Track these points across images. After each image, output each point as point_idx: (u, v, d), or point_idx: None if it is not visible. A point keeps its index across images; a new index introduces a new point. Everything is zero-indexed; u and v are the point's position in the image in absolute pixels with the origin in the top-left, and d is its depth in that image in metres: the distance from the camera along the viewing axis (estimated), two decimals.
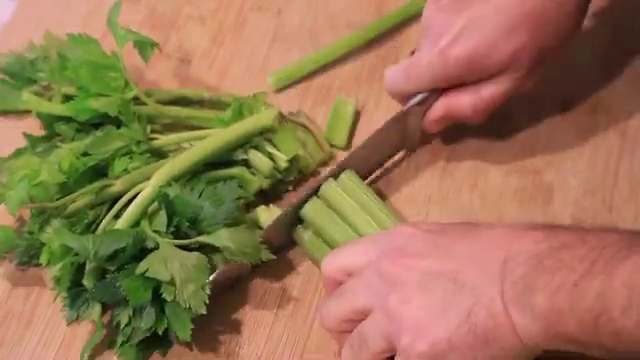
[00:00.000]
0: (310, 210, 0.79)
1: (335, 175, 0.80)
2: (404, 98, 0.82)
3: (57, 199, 0.77)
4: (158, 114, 0.84)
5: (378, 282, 0.68)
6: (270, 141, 0.83)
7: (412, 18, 0.94)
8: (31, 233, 0.79)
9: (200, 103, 0.87)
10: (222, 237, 0.74)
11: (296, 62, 0.91)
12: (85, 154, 0.79)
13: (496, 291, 0.64)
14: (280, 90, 0.90)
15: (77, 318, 0.76)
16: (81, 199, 0.77)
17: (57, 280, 0.76)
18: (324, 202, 0.79)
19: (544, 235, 0.64)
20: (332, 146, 0.87)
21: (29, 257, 0.80)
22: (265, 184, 0.81)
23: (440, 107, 0.81)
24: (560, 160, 0.85)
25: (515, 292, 0.63)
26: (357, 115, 0.88)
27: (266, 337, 0.77)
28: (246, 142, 0.82)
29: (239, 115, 0.83)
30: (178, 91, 0.88)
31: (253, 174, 0.81)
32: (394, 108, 0.88)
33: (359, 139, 0.87)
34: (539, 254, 0.63)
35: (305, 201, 0.79)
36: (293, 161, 0.83)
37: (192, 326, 0.72)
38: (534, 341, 0.63)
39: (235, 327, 0.77)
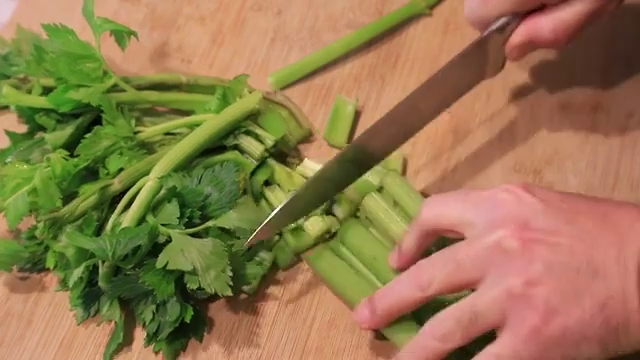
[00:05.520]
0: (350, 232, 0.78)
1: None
2: (484, 25, 0.79)
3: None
4: (138, 100, 0.84)
5: (498, 257, 0.64)
6: (256, 122, 0.83)
7: (412, 18, 0.94)
8: (30, 239, 0.79)
9: (178, 87, 0.87)
10: (232, 219, 0.75)
11: (296, 62, 0.91)
12: (75, 155, 0.79)
13: (633, 287, 0.63)
14: (280, 90, 0.90)
15: (88, 317, 0.77)
16: (86, 202, 0.78)
17: (74, 284, 0.75)
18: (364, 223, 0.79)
19: None
20: (332, 146, 0.87)
21: (32, 265, 0.80)
22: (254, 166, 0.82)
23: (521, 32, 0.78)
24: (560, 160, 0.85)
25: None
26: (357, 115, 0.88)
27: (266, 337, 0.77)
28: (235, 127, 0.82)
29: (224, 102, 0.83)
30: (156, 76, 0.88)
31: (246, 158, 0.82)
32: None
33: None
34: None
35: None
36: (277, 140, 0.83)
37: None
38: None
39: (235, 327, 0.77)
